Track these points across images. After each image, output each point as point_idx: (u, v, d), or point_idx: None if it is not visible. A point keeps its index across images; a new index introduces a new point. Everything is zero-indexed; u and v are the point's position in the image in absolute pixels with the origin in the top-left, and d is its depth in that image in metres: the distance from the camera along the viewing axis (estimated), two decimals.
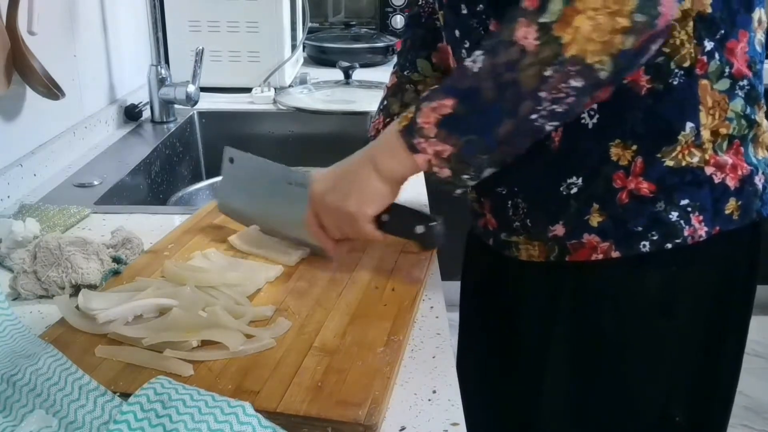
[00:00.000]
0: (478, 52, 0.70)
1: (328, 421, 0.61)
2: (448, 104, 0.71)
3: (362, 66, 1.99)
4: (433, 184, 0.76)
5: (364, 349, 0.71)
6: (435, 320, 0.80)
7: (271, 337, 0.72)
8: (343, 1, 2.84)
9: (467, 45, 0.83)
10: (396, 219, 0.81)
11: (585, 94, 0.68)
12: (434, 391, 0.67)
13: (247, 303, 0.80)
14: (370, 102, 1.76)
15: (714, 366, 0.87)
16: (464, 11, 0.82)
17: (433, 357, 0.73)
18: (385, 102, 1.03)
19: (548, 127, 0.70)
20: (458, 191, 0.77)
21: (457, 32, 0.85)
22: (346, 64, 1.91)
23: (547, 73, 0.65)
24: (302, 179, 0.88)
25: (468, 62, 0.70)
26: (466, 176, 0.74)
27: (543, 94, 0.67)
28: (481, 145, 0.71)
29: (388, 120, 1.00)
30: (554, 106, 0.68)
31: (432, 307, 0.82)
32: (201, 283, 0.81)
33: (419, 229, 0.81)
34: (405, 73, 1.03)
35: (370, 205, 0.79)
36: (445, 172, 0.74)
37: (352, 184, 0.80)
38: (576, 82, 0.66)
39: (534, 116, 0.68)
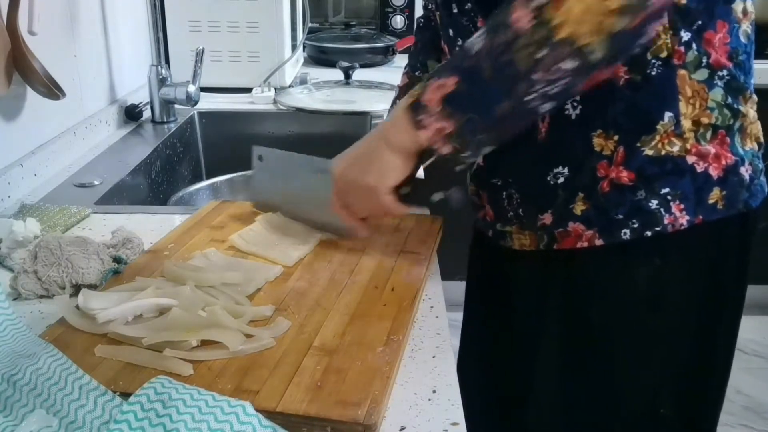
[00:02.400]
0: (479, 32, 0.71)
1: (327, 420, 0.61)
2: (451, 82, 0.72)
3: (362, 66, 1.99)
4: (438, 161, 0.78)
5: (364, 348, 0.71)
6: (435, 320, 0.80)
7: (270, 336, 0.72)
8: (343, 1, 2.84)
9: (460, 43, 0.85)
10: (415, 189, 0.83)
11: (580, 75, 0.67)
12: (434, 391, 0.67)
13: (247, 303, 0.80)
14: (370, 102, 1.76)
15: (706, 360, 0.88)
16: (455, 10, 0.84)
17: (433, 357, 0.73)
18: (397, 102, 1.05)
19: (543, 108, 0.71)
20: (458, 168, 0.78)
21: (450, 31, 0.86)
22: (346, 64, 1.91)
23: (540, 55, 0.65)
24: (325, 165, 0.91)
25: (469, 42, 0.71)
26: (465, 154, 0.75)
27: (537, 76, 0.67)
28: (481, 124, 0.72)
29: None
30: (548, 88, 0.68)
31: (432, 307, 0.83)
32: (201, 282, 0.81)
33: (436, 196, 0.83)
34: (416, 74, 1.06)
35: (387, 177, 0.81)
36: (446, 149, 0.75)
37: (369, 160, 0.82)
38: (569, 65, 0.66)
39: (528, 98, 0.69)
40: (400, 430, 0.62)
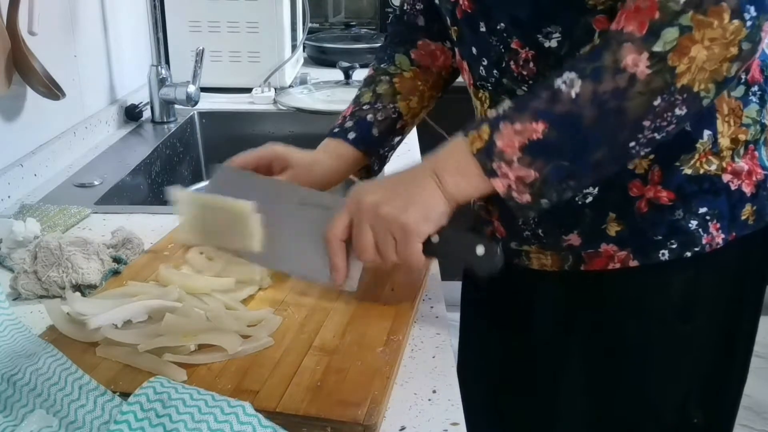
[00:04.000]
0: (572, 75, 0.66)
1: (327, 420, 0.61)
2: (537, 129, 0.67)
3: (362, 66, 1.98)
4: (511, 208, 0.71)
5: (364, 348, 0.71)
6: (435, 320, 0.80)
7: (264, 334, 0.72)
8: (343, 2, 2.84)
9: (485, 63, 0.81)
10: (448, 240, 0.73)
11: (684, 121, 0.67)
12: (434, 391, 0.67)
13: (242, 308, 0.79)
14: None
15: (726, 366, 0.88)
16: (483, 29, 0.79)
17: (433, 357, 0.73)
18: (359, 92, 1.00)
19: (643, 153, 0.69)
20: (531, 214, 0.72)
21: (474, 49, 0.82)
22: (346, 64, 1.91)
23: (656, 102, 0.64)
24: (323, 200, 0.79)
25: (561, 85, 0.67)
26: (545, 200, 0.70)
27: (647, 123, 0.65)
28: (570, 171, 0.68)
29: (356, 108, 0.98)
30: (654, 134, 0.66)
31: (432, 307, 0.83)
32: (193, 290, 0.81)
33: (480, 249, 0.72)
34: (382, 65, 1.00)
35: (429, 222, 0.72)
36: (525, 198, 0.69)
37: (413, 197, 0.72)
38: (680, 111, 0.65)
39: (632, 144, 0.67)
40: (400, 430, 0.62)
